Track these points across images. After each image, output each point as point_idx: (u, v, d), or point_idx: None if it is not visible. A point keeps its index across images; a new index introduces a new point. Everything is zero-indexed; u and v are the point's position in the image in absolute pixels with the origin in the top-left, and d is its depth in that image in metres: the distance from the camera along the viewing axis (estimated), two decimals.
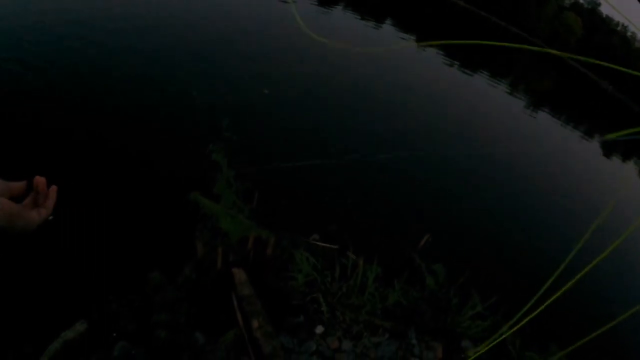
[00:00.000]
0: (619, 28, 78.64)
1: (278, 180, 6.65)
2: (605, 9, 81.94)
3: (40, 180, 1.06)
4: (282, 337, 3.82)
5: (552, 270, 1.06)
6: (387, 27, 23.18)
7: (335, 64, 12.90)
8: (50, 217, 1.09)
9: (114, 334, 3.40)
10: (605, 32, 76.82)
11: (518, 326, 1.14)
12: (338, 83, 11.63)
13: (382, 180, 8.17)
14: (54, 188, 1.10)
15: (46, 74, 6.83)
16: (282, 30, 13.52)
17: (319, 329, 4.02)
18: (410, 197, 8.19)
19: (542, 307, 1.03)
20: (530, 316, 1.06)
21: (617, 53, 73.61)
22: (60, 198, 1.08)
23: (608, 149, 18.65)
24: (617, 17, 77.63)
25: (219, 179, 6.08)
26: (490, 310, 5.32)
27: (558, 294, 0.99)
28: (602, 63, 0.83)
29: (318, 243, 5.28)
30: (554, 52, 0.84)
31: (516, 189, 10.59)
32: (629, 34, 78.30)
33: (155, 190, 5.48)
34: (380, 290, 4.69)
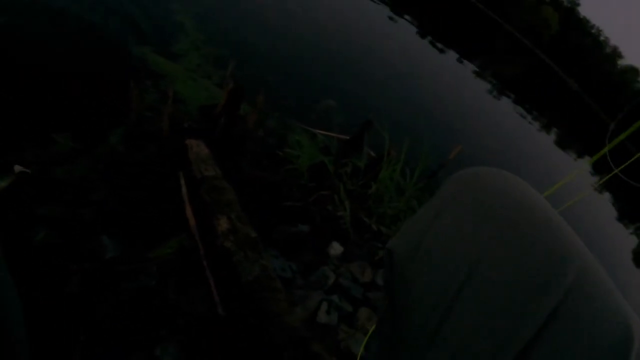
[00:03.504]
0: (593, 31, 79.70)
1: (263, 52, 4.77)
2: (583, 10, 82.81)
3: None
4: (276, 261, 2.01)
5: None
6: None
7: None
8: None
9: None
10: (580, 32, 77.60)
11: None
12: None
13: None
14: None
15: None
16: None
17: (336, 248, 2.24)
18: None
19: None
20: None
21: (588, 55, 74.81)
22: None
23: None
24: (593, 20, 78.77)
25: (182, 39, 4.08)
26: None
27: None
28: None
29: (320, 132, 3.47)
30: None
31: None
32: (602, 38, 79.61)
33: (92, 33, 3.54)
34: (424, 197, 2.99)
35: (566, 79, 68.66)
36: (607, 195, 14.88)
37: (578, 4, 79.92)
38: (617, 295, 0.35)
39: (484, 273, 0.35)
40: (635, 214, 15.83)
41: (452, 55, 15.98)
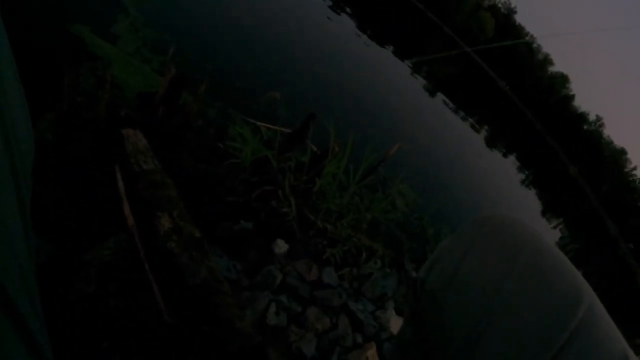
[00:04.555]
0: (527, 38, 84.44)
1: (204, 40, 4.60)
2: (519, 18, 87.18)
3: None
4: (220, 260, 1.94)
5: None
6: None
7: None
8: None
9: None
10: (515, 38, 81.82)
11: None
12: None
13: None
14: None
15: None
16: None
17: (281, 246, 2.20)
18: None
19: None
20: None
21: (522, 61, 79.32)
22: None
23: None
24: (528, 28, 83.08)
25: (121, 20, 3.83)
26: None
27: None
28: None
29: (263, 124, 3.40)
30: None
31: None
32: (535, 45, 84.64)
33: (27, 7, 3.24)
34: (365, 194, 3.04)
35: (498, 81, 72.52)
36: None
37: (515, 12, 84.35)
38: (614, 327, 0.44)
39: (513, 302, 0.44)
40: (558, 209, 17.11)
41: (389, 52, 16.25)
